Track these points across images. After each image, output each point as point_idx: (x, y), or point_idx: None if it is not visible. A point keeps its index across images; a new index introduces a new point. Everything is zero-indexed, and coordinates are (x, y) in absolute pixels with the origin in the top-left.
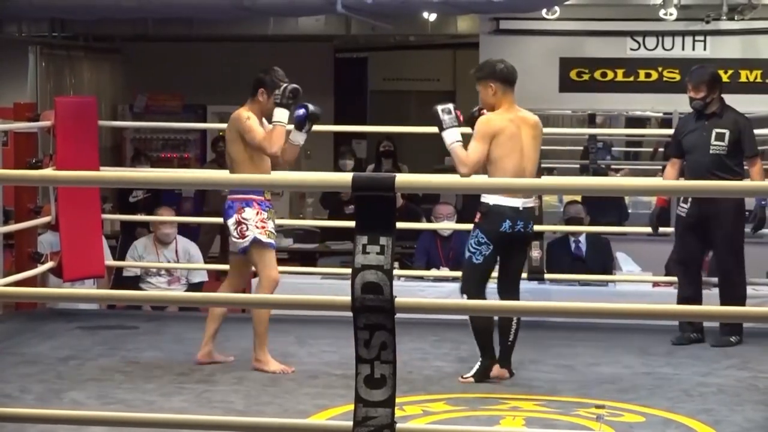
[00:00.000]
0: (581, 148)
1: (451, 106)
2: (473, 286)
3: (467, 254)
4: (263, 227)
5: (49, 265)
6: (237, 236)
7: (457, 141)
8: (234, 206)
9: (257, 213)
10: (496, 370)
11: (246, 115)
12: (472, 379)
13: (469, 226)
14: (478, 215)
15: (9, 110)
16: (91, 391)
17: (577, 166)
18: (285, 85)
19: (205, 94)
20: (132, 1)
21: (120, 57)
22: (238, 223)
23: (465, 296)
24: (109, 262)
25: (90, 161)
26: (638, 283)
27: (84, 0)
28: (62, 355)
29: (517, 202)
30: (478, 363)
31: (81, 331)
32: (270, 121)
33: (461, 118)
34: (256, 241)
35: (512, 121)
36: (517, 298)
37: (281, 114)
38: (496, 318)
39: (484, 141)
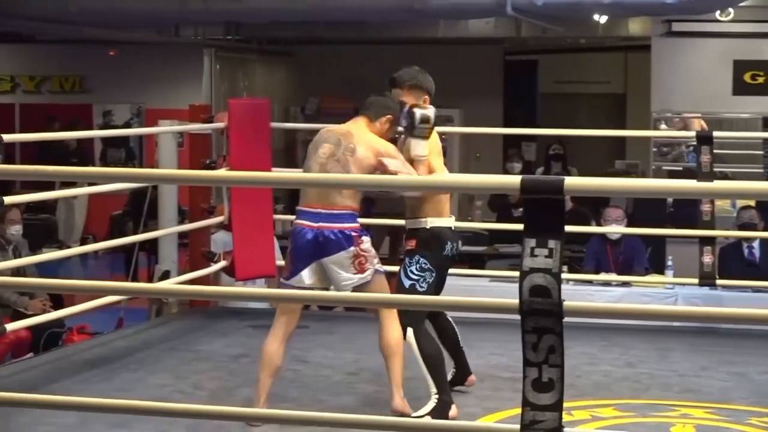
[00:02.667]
0: (761, 152)
1: (431, 112)
2: (418, 317)
3: (407, 283)
4: (376, 256)
5: (222, 264)
6: (355, 271)
7: (423, 156)
8: (350, 237)
9: (371, 243)
10: (454, 410)
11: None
12: (428, 417)
13: (640, 230)
14: (413, 242)
15: (185, 112)
16: None
17: (756, 170)
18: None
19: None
20: (304, 5)
21: (292, 59)
22: (357, 256)
23: (408, 332)
24: (280, 262)
25: (263, 162)
26: None
27: (258, 4)
28: (234, 352)
29: (450, 222)
30: (434, 399)
31: (252, 329)
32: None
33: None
34: (377, 273)
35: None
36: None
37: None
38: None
39: (433, 157)
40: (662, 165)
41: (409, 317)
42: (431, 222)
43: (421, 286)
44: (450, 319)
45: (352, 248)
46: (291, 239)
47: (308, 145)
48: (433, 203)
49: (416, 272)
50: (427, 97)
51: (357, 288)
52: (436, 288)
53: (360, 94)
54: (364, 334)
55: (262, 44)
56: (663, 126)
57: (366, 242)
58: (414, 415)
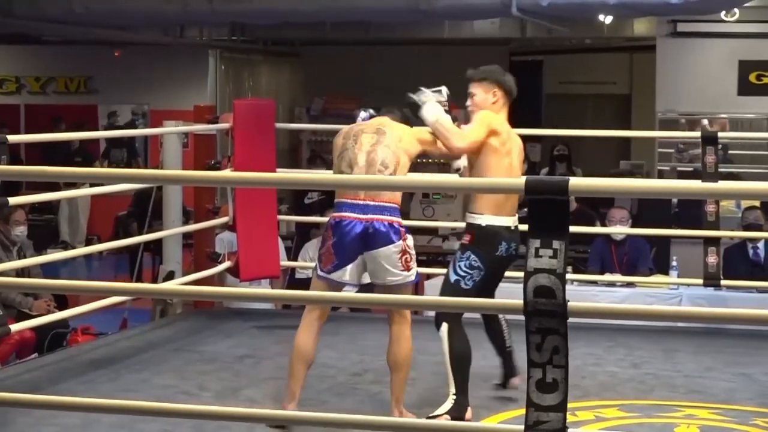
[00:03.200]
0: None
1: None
2: (454, 315)
3: (453, 277)
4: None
5: (226, 264)
6: (402, 267)
7: (443, 117)
8: (398, 230)
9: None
10: (470, 413)
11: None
12: (447, 417)
13: (645, 231)
14: (468, 236)
15: (189, 113)
16: (266, 390)
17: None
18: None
19: (380, 96)
20: (311, 6)
21: (298, 60)
22: (404, 252)
23: (443, 326)
24: (284, 263)
25: (267, 163)
26: None
27: (264, 4)
28: (239, 353)
29: (509, 221)
30: (451, 399)
31: (257, 330)
32: None
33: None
34: (417, 275)
35: (509, 132)
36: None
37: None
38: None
39: (483, 127)
40: (677, 166)
41: (446, 312)
42: (487, 219)
43: (466, 284)
44: (503, 320)
45: (400, 242)
46: (333, 232)
47: (313, 145)
48: (491, 199)
49: (464, 269)
50: (497, 90)
51: (396, 287)
52: (486, 287)
53: (365, 95)
54: (368, 334)
55: (268, 45)
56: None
57: (410, 239)
58: (430, 415)
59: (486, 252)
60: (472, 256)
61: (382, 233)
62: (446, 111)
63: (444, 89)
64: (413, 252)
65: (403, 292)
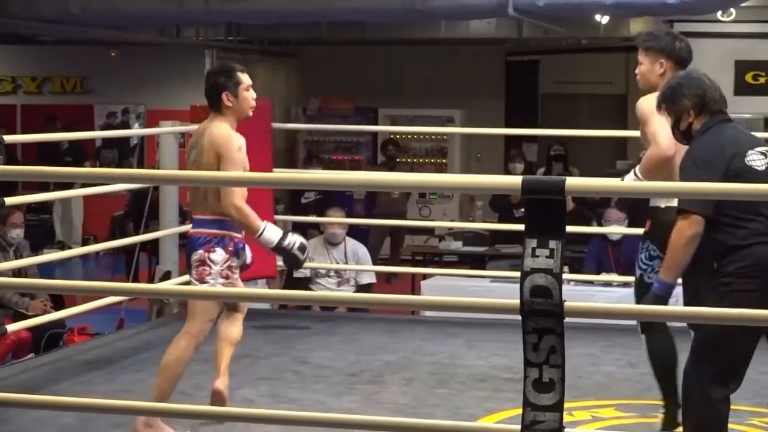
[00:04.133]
0: None
1: None
2: (647, 324)
3: (638, 272)
4: (229, 277)
5: None
6: (195, 276)
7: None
8: (202, 242)
9: (227, 259)
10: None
11: (237, 144)
12: None
13: (641, 231)
14: (648, 223)
15: (186, 112)
16: (262, 390)
17: None
18: (296, 241)
19: (376, 97)
20: (307, 6)
21: (294, 60)
22: (201, 262)
23: (642, 337)
24: (281, 263)
25: (263, 162)
26: None
27: (260, 4)
28: (235, 353)
29: None
30: (662, 412)
31: (253, 330)
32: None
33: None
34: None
35: None
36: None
37: (272, 235)
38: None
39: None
40: None
41: (643, 324)
42: (664, 202)
43: (649, 277)
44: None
45: (201, 251)
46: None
47: (309, 145)
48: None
49: (645, 261)
50: (663, 60)
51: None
52: None
53: (361, 95)
54: (364, 334)
55: (264, 45)
56: None
57: (217, 252)
58: None
59: (667, 238)
60: (651, 245)
61: (191, 243)
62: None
63: None
64: (215, 268)
65: (194, 304)
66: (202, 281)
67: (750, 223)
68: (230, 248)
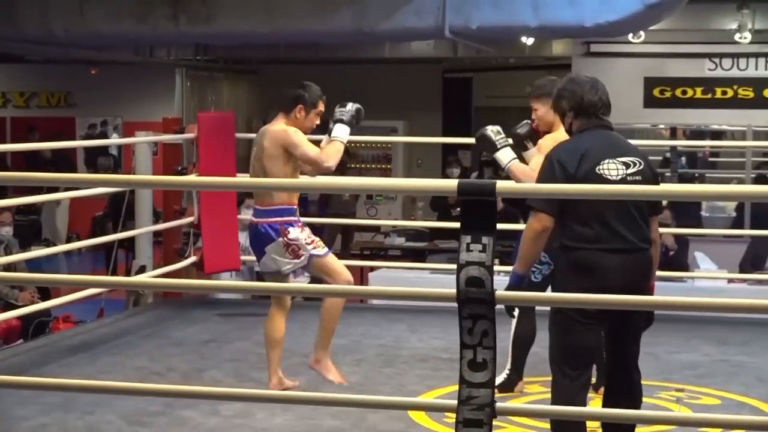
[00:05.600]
0: (660, 158)
1: (498, 127)
2: (529, 307)
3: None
4: (313, 241)
5: (192, 259)
6: (291, 257)
7: (513, 158)
8: (277, 228)
9: (302, 230)
10: (520, 385)
11: (293, 129)
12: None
13: None
14: None
15: (158, 124)
16: (228, 370)
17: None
18: (351, 104)
19: (329, 110)
20: (267, 29)
21: (255, 78)
22: (287, 245)
23: (515, 312)
24: (244, 257)
25: (228, 168)
26: (715, 280)
27: (224, 28)
28: (204, 338)
29: None
30: (505, 374)
31: (220, 317)
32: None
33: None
34: (313, 257)
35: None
36: None
37: (342, 131)
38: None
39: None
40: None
41: (508, 308)
42: None
43: (535, 278)
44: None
45: (280, 238)
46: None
47: None
48: None
49: (534, 264)
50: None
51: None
52: (548, 284)
53: None
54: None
55: (228, 64)
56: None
57: (292, 232)
58: None
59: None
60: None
61: (260, 235)
62: (508, 144)
63: (499, 128)
64: (301, 242)
65: (319, 270)
66: (299, 257)
67: (584, 228)
68: (296, 225)
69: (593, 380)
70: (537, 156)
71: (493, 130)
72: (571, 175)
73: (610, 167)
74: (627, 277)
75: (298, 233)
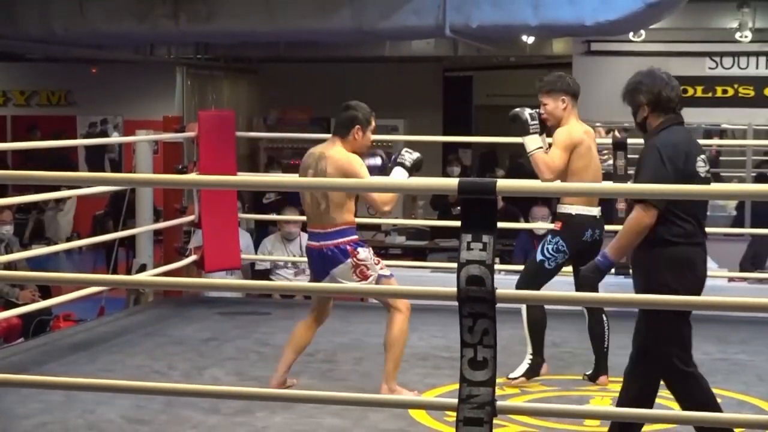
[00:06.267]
0: None
1: (536, 111)
2: (535, 288)
3: (539, 258)
4: (379, 261)
5: (193, 258)
6: (358, 278)
7: (540, 147)
8: (346, 250)
9: (369, 250)
10: (545, 368)
11: (358, 162)
12: (523, 379)
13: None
14: (559, 224)
15: (159, 123)
16: (229, 369)
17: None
18: (418, 154)
19: (330, 108)
20: (267, 27)
21: (255, 76)
22: (356, 266)
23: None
24: (244, 256)
25: (228, 167)
26: (715, 279)
27: (225, 26)
28: (204, 336)
29: (595, 211)
30: (528, 360)
31: (220, 316)
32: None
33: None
34: (382, 278)
35: (587, 133)
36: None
37: (401, 175)
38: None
39: (566, 150)
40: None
41: (528, 285)
42: (577, 209)
43: (549, 265)
44: (605, 322)
45: (349, 259)
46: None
47: (269, 152)
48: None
49: (551, 252)
50: (564, 97)
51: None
52: (559, 270)
53: (316, 106)
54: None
55: (228, 62)
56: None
57: (361, 252)
58: (510, 376)
59: (573, 238)
60: (560, 241)
61: (330, 256)
62: (539, 132)
63: (536, 113)
64: (369, 262)
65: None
66: (367, 278)
67: (685, 224)
68: (362, 246)
69: (589, 372)
70: (553, 148)
71: (530, 114)
72: (680, 170)
73: (700, 164)
74: (706, 269)
75: (367, 253)
